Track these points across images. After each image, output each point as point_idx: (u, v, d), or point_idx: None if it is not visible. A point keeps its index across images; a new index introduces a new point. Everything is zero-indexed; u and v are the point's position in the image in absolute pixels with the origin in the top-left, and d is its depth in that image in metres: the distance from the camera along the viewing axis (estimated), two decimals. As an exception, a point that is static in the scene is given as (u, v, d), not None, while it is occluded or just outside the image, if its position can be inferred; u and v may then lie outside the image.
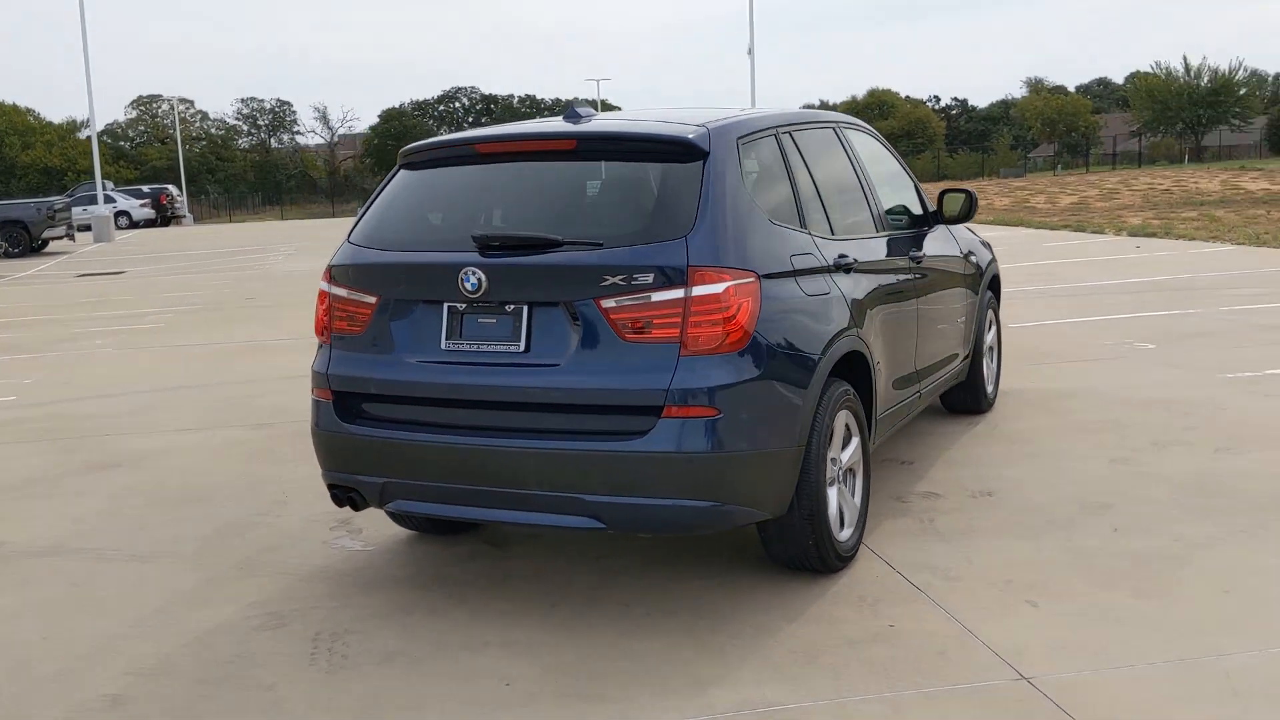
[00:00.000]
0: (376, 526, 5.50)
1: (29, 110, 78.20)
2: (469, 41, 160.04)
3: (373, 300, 4.44)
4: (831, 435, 4.51)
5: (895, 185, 6.04)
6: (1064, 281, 13.69)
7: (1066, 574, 4.56)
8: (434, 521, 5.19)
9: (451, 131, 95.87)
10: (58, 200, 31.48)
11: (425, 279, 4.35)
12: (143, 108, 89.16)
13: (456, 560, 5.05)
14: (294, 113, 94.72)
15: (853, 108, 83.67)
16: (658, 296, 4.00)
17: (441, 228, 4.60)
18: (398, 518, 5.23)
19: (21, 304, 17.72)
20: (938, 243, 6.19)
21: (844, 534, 4.65)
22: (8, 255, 28.74)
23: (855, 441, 4.76)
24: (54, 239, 30.44)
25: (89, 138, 49.21)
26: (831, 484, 4.53)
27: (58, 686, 4.00)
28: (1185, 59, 78.13)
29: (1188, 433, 6.54)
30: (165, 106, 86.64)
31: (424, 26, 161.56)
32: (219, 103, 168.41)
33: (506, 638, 4.21)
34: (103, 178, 42.20)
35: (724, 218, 4.14)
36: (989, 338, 7.20)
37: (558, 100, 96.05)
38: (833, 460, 4.54)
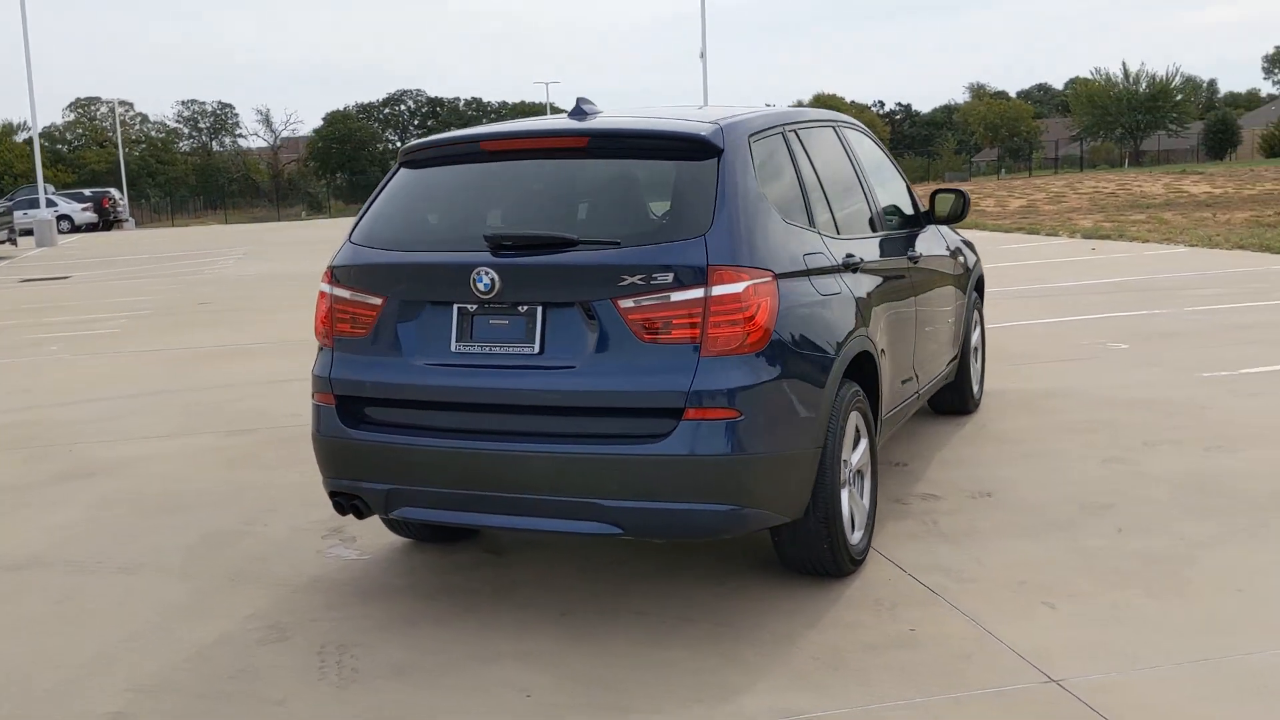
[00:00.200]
0: (370, 535, 5.37)
1: (-38, 112, 76.46)
2: (415, 44, 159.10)
3: (378, 302, 4.32)
4: (844, 437, 4.46)
5: (889, 185, 6.01)
6: (1028, 283, 13.79)
7: (1077, 575, 4.54)
8: (432, 529, 5.07)
9: (398, 135, 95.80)
10: (-2, 204, 30.77)
11: (434, 280, 4.23)
12: (81, 110, 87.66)
13: (457, 568, 4.94)
14: (236, 115, 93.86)
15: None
16: (677, 296, 3.92)
17: (448, 227, 4.49)
18: (395, 525, 5.10)
19: (-33, 310, 17.27)
20: (930, 243, 6.18)
21: (855, 537, 4.59)
22: (-53, 260, 28.04)
23: (864, 443, 4.72)
24: (-5, 243, 29.77)
25: (26, 140, 48.22)
26: (844, 486, 4.47)
27: (56, 704, 3.84)
28: (1124, 65, 79.48)
29: (1175, 432, 6.57)
30: (104, 109, 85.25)
31: (369, 29, 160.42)
32: (159, 105, 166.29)
33: (521, 648, 4.11)
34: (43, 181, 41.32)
35: (741, 216, 4.07)
36: (975, 338, 7.20)
37: (504, 104, 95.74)
38: (844, 462, 4.49)
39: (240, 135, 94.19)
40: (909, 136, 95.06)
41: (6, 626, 4.53)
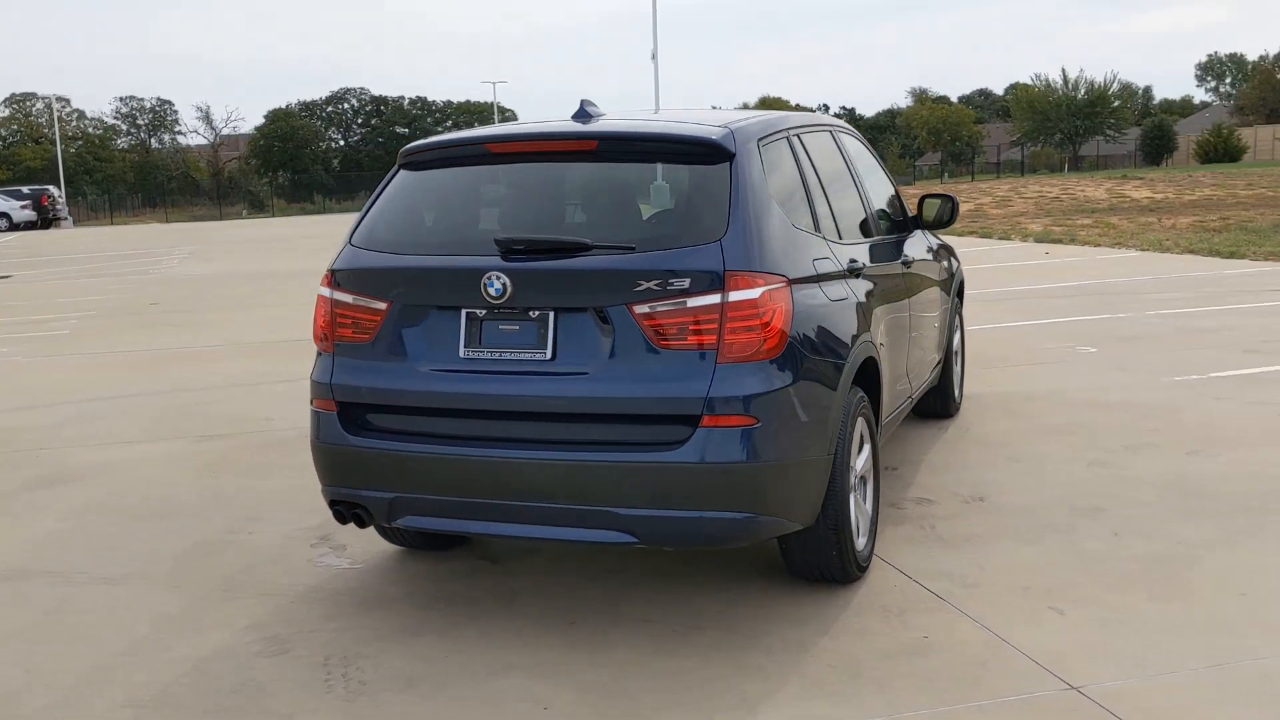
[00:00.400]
0: (361, 543, 5.27)
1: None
2: (358, 42, 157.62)
3: (382, 306, 4.22)
4: (853, 442, 4.44)
5: (880, 189, 6.01)
6: (987, 287, 13.90)
7: (1080, 579, 4.55)
8: (426, 537, 4.99)
9: (341, 133, 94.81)
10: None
11: (442, 284, 4.15)
12: (16, 106, 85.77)
13: (454, 577, 4.85)
14: (175, 112, 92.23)
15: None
16: (693, 302, 3.88)
17: (455, 230, 4.40)
18: (389, 533, 5.00)
19: (-92, 310, 16.80)
20: (919, 247, 6.19)
21: (860, 543, 4.58)
22: (-119, 259, 27.29)
23: (867, 449, 4.70)
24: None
25: (-39, 136, 47.07)
26: (851, 492, 4.45)
27: (54, 723, 3.72)
28: (1064, 71, 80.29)
29: (1154, 435, 6.64)
30: (40, 105, 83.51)
31: (311, 26, 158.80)
32: (97, 101, 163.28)
33: (531, 659, 4.04)
34: (-23, 178, 40.38)
35: (755, 220, 4.03)
36: (955, 341, 7.24)
37: (449, 103, 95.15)
38: (850, 468, 4.47)
39: (180, 132, 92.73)
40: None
41: (-8, 641, 4.39)
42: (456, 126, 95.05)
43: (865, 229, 5.36)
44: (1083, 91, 78.63)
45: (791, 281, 4.08)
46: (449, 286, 4.12)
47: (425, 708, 3.73)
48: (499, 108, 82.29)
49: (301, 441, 7.28)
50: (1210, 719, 3.48)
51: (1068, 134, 77.98)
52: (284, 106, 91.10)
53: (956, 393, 7.26)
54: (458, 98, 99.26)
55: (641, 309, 3.90)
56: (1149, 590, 4.43)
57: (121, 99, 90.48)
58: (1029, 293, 13.37)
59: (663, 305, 3.89)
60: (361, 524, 4.36)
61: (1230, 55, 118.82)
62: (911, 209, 6.31)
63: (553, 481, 3.96)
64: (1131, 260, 16.68)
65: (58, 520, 5.82)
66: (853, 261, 4.76)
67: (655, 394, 3.89)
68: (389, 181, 4.57)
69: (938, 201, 6.23)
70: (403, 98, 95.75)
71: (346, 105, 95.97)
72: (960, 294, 7.41)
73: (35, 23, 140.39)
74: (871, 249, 5.23)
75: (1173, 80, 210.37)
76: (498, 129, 4.59)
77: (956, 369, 7.29)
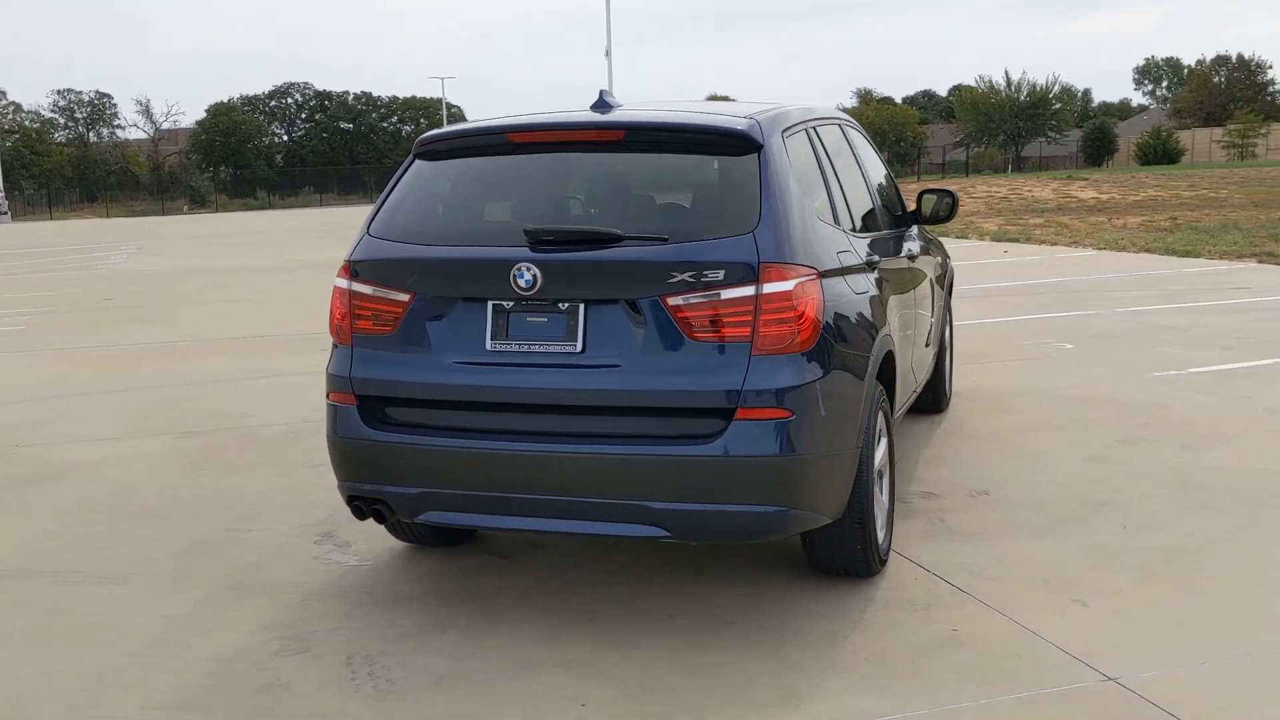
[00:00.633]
0: (365, 540, 5.17)
1: None
2: (302, 35, 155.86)
3: (405, 298, 4.13)
4: (876, 436, 4.43)
5: (884, 183, 6.01)
6: (956, 284, 13.98)
7: (1099, 572, 4.57)
8: (437, 533, 4.91)
9: (284, 128, 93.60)
10: None
11: (469, 275, 4.07)
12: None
13: (467, 574, 4.77)
14: (114, 106, 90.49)
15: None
16: (728, 294, 3.83)
17: (479, 221, 4.32)
18: (399, 530, 4.91)
19: None
20: (918, 242, 6.19)
21: (879, 536, 4.56)
22: None
23: (885, 442, 4.69)
24: None
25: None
26: (874, 486, 4.44)
27: (75, 727, 3.60)
28: (1006, 73, 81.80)
29: (1146, 430, 6.70)
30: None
31: (253, 19, 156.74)
32: (33, 94, 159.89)
33: (560, 655, 3.97)
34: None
35: (785, 212, 4.00)
36: (946, 336, 7.26)
37: (394, 98, 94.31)
38: (874, 461, 4.45)
39: (119, 126, 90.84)
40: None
41: (-4, 642, 4.24)
42: (402, 123, 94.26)
43: (875, 223, 5.35)
44: (1025, 94, 79.70)
45: (820, 274, 4.06)
46: (476, 278, 4.04)
47: (460, 706, 3.65)
48: (447, 104, 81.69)
49: (285, 438, 7.19)
50: (1252, 707, 3.49)
51: (1010, 135, 78.98)
52: (225, 101, 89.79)
53: (947, 388, 7.29)
54: (403, 93, 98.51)
55: (675, 301, 3.85)
56: (1168, 583, 4.46)
57: (59, 92, 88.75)
58: (996, 290, 13.48)
59: (696, 297, 3.84)
60: (381, 520, 4.27)
61: (1166, 59, 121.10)
62: (909, 204, 6.31)
63: (584, 476, 3.90)
64: (1090, 259, 16.90)
65: (46, 520, 5.65)
66: (869, 254, 4.75)
67: (689, 387, 3.84)
68: (404, 171, 4.48)
69: (936, 197, 6.24)
70: (347, 93, 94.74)
71: (290, 100, 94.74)
72: (950, 289, 7.44)
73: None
74: (882, 243, 5.22)
75: (1111, 83, 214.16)
76: (519, 118, 4.51)
77: (947, 364, 7.32)
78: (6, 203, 53.84)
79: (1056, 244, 19.39)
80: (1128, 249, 17.87)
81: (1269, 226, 20.79)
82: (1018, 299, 12.55)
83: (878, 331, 4.50)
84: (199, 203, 75.16)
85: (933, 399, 7.09)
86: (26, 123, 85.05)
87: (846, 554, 4.37)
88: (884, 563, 4.60)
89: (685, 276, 3.83)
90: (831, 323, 4.04)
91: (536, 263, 3.91)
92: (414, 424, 4.14)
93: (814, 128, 4.85)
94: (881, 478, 4.70)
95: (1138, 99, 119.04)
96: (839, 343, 4.08)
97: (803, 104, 5.07)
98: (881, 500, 4.67)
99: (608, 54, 43.96)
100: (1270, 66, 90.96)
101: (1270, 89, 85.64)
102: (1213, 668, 3.74)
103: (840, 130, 5.42)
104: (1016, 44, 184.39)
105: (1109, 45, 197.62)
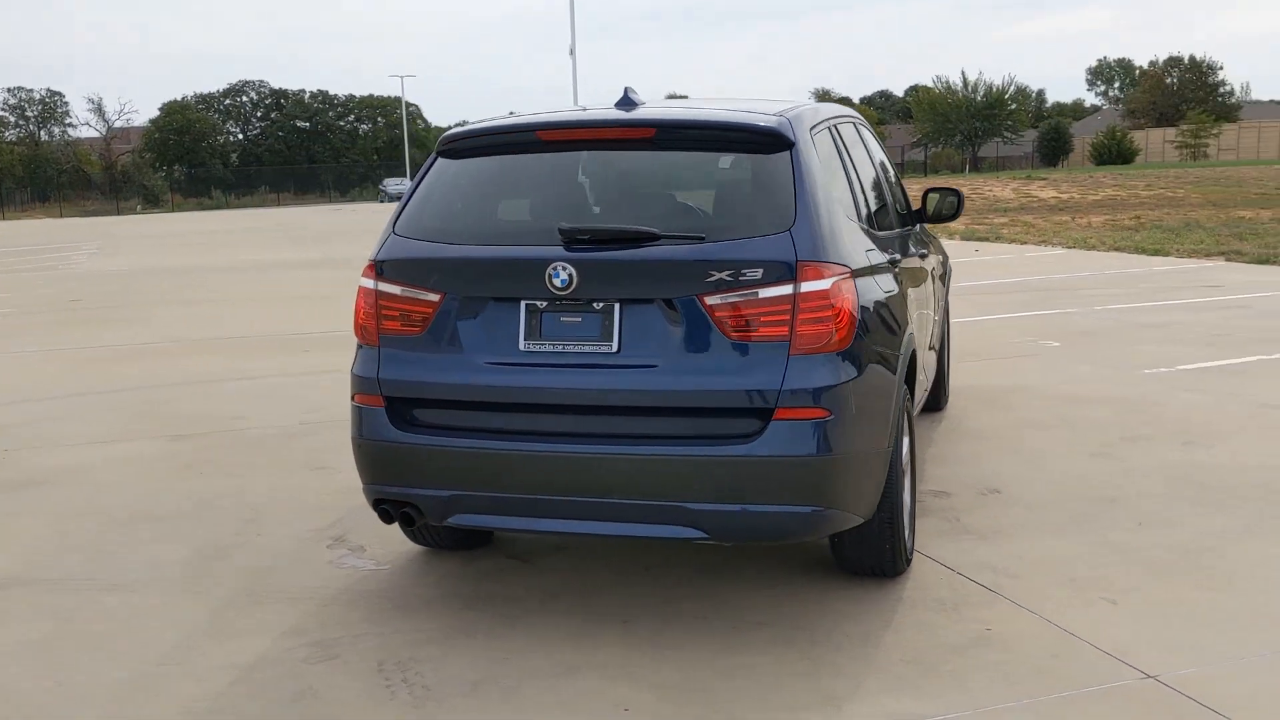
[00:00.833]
0: (380, 543, 5.10)
1: None
2: (257, 32, 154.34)
3: (435, 298, 4.06)
4: (904, 435, 4.42)
5: (893, 182, 6.00)
6: (930, 283, 14.07)
7: (1120, 569, 4.58)
8: (456, 536, 4.85)
9: (239, 127, 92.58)
10: None
11: (503, 275, 4.01)
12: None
13: (488, 577, 4.71)
14: (66, 104, 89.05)
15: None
16: (765, 293, 3.80)
17: (509, 220, 4.27)
18: (415, 533, 4.85)
19: None
20: (923, 240, 6.20)
21: (906, 535, 4.55)
22: None
23: (907, 441, 4.68)
24: None
25: None
26: (902, 484, 4.43)
27: (106, 739, 3.51)
28: (963, 74, 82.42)
29: (1144, 428, 6.75)
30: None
31: (208, 16, 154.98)
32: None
33: (594, 659, 3.93)
34: None
35: (820, 210, 3.97)
36: (945, 333, 7.29)
37: (351, 96, 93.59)
38: (902, 460, 4.44)
39: (71, 125, 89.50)
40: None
41: (11, 652, 4.12)
42: (360, 121, 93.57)
43: (889, 222, 5.34)
44: (981, 94, 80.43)
45: (853, 273, 4.04)
46: (510, 277, 3.99)
47: (497, 711, 3.60)
48: (406, 103, 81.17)
49: (281, 440, 7.09)
50: (1289, 704, 3.52)
51: (967, 135, 79.68)
52: (179, 99, 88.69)
53: (946, 386, 7.31)
54: (360, 91, 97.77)
55: (713, 300, 3.81)
56: (1188, 580, 4.48)
57: (9, 90, 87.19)
58: (973, 289, 13.56)
59: (734, 296, 3.81)
60: (409, 523, 4.21)
61: (1118, 60, 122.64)
62: (914, 202, 6.31)
63: (622, 477, 3.85)
64: (1061, 257, 17.05)
65: (44, 524, 5.53)
66: (891, 253, 4.74)
67: (728, 387, 3.81)
68: (428, 169, 4.41)
69: (939, 195, 6.23)
70: (304, 91, 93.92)
71: (245, 98, 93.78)
72: (949, 287, 7.46)
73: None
74: (899, 241, 5.22)
75: (1064, 84, 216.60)
76: (547, 115, 4.45)
77: (945, 362, 7.34)
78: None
79: (1026, 243, 19.56)
80: (1097, 247, 18.06)
81: (1231, 225, 21.11)
82: (996, 297, 12.63)
83: (904, 330, 4.50)
84: (152, 202, 74.22)
85: (932, 397, 7.10)
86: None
87: (875, 554, 4.36)
88: (909, 562, 4.59)
89: (723, 275, 3.80)
90: (865, 322, 4.02)
91: (572, 262, 3.86)
92: (444, 425, 4.08)
93: (835, 126, 4.83)
94: (904, 476, 4.70)
95: (1090, 99, 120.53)
96: (872, 342, 4.06)
97: (822, 103, 5.07)
98: (905, 499, 4.66)
99: (571, 53, 43.86)
100: (1221, 68, 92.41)
101: (1221, 90, 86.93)
102: (1248, 664, 3.76)
103: (855, 128, 5.41)
104: (971, 45, 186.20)
105: (1061, 46, 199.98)
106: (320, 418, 7.65)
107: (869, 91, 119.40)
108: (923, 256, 5.76)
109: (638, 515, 3.89)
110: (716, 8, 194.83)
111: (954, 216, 6.22)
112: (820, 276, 3.85)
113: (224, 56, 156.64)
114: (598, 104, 4.83)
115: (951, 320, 10.76)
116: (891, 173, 6.09)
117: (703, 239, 3.89)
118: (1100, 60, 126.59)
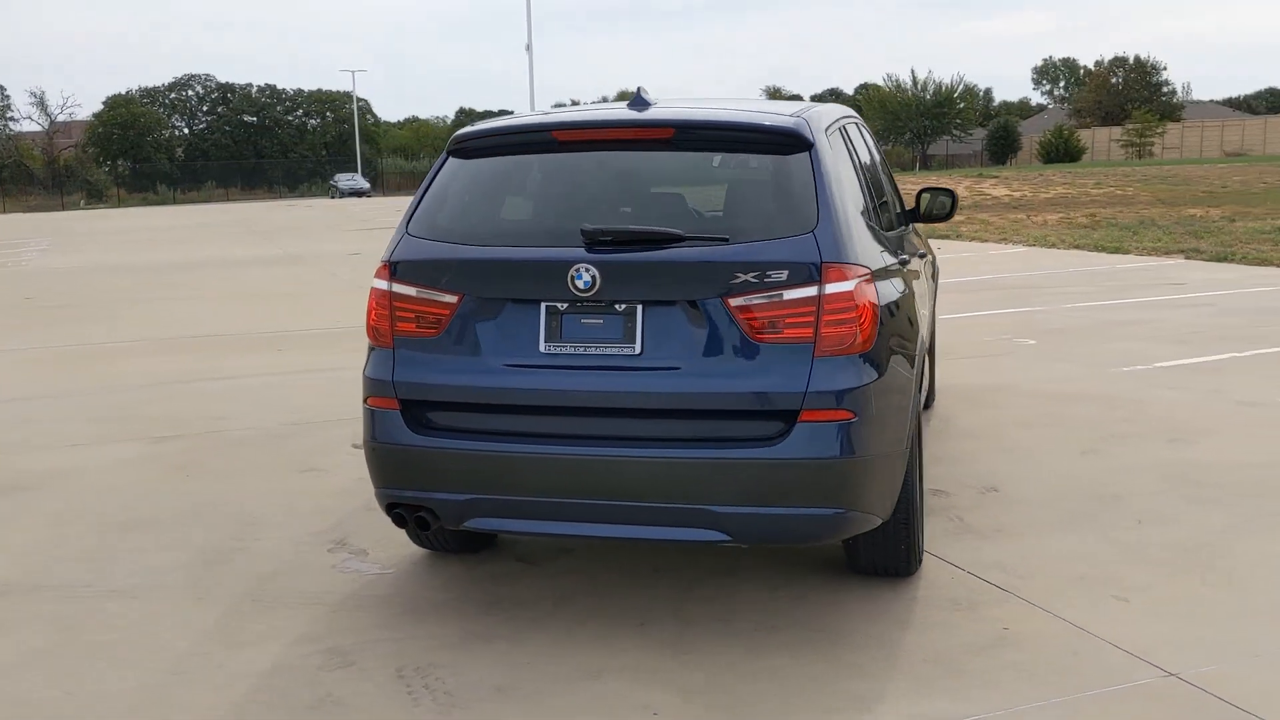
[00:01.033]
0: (382, 547, 5.04)
1: None
2: (202, 25, 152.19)
3: (453, 300, 4.01)
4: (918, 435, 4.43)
5: (891, 182, 6.02)
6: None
7: (1127, 567, 4.63)
8: (462, 540, 4.80)
9: (185, 121, 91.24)
10: None
11: (523, 276, 3.96)
12: None
13: (497, 580, 4.67)
14: (7, 97, 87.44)
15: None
16: (790, 294, 3.79)
17: (528, 221, 4.22)
18: (421, 537, 4.80)
19: None
20: (918, 239, 6.23)
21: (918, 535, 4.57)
22: None
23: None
24: None
25: None
26: (916, 485, 4.44)
27: (128, 751, 3.43)
28: (913, 73, 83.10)
29: (1129, 426, 6.83)
30: None
31: (153, 9, 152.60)
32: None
33: (616, 662, 3.90)
34: None
35: (841, 211, 3.97)
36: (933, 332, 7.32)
37: (300, 91, 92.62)
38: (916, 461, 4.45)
39: (12, 119, 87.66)
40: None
41: (16, 662, 4.02)
42: (308, 116, 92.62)
43: (892, 222, 5.36)
44: (930, 93, 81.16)
45: (873, 274, 4.04)
46: (530, 279, 3.94)
47: (526, 716, 3.56)
48: (356, 98, 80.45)
49: (266, 442, 6.99)
50: (1311, 700, 3.56)
51: (917, 133, 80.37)
52: (124, 93, 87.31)
53: (933, 384, 7.35)
54: (309, 86, 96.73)
55: (737, 302, 3.80)
56: (1194, 577, 4.53)
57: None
58: (941, 286, 13.60)
59: (759, 298, 3.79)
60: (424, 527, 4.15)
61: (1063, 60, 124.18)
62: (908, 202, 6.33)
63: (647, 480, 3.82)
64: (1023, 255, 17.22)
65: (37, 530, 5.40)
66: (900, 254, 4.76)
67: (753, 389, 3.79)
68: (439, 169, 4.36)
69: (928, 195, 6.25)
70: (251, 85, 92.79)
71: (191, 92, 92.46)
72: (937, 284, 7.50)
73: None
74: (904, 241, 5.23)
75: (1010, 83, 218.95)
76: (562, 115, 4.41)
77: (933, 359, 7.38)
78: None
79: (987, 240, 19.75)
80: (1057, 245, 18.26)
81: (1184, 223, 21.44)
82: (965, 295, 12.72)
83: (918, 330, 4.51)
84: (96, 197, 73.01)
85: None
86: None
87: (891, 554, 4.37)
88: (920, 561, 4.61)
89: (749, 277, 3.78)
90: (885, 322, 4.03)
91: (595, 263, 3.83)
92: (461, 429, 4.03)
93: (844, 126, 4.83)
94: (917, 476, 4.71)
95: (1036, 98, 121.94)
96: (892, 342, 4.07)
97: (829, 104, 5.07)
98: (918, 499, 4.68)
99: (528, 48, 43.70)
100: (1165, 68, 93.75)
101: (1165, 90, 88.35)
102: (1266, 661, 3.81)
103: (857, 129, 5.42)
104: (919, 44, 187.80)
105: (1008, 46, 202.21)
106: (303, 419, 7.55)
107: (819, 89, 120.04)
108: (921, 256, 5.78)
109: (660, 518, 3.87)
110: (664, 5, 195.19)
111: (948, 216, 6.25)
112: (844, 278, 3.84)
113: (170, 50, 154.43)
114: (592, 104, 4.80)
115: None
116: (889, 173, 6.11)
117: (726, 240, 3.87)
118: (1046, 60, 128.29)
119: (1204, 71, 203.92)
